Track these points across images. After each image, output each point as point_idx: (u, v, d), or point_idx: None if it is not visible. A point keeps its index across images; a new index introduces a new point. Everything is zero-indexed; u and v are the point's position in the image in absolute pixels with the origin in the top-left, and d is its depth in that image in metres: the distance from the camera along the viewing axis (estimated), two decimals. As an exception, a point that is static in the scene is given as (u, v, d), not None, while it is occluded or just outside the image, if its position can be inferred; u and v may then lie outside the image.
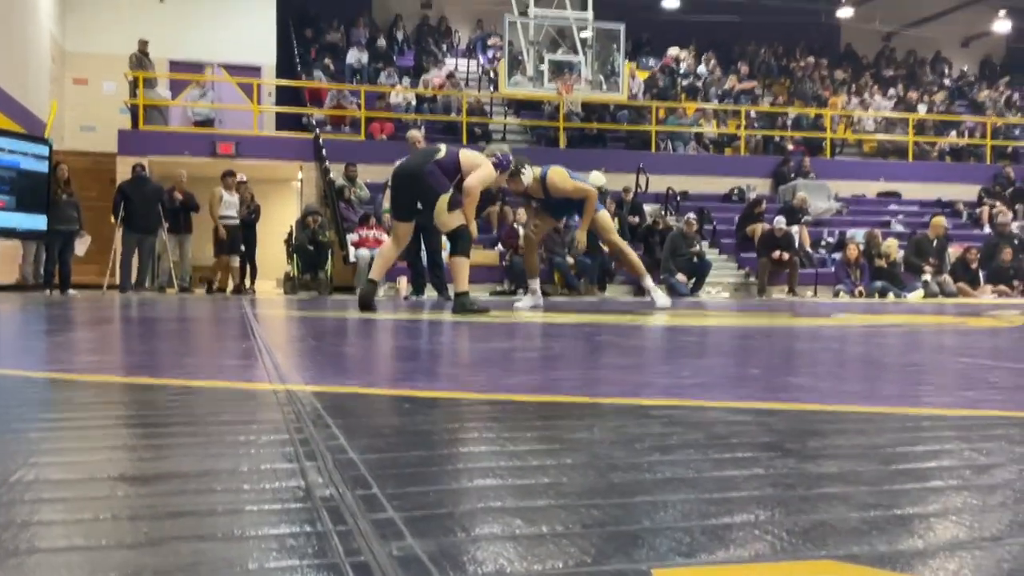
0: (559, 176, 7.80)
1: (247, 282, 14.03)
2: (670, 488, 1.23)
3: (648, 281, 8.47)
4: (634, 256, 8.52)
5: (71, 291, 12.39)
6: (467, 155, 6.75)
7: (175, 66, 18.03)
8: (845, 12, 24.11)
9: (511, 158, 7.25)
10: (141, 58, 16.12)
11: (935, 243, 14.66)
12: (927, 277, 14.32)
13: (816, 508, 1.13)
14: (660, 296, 8.35)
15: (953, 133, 20.80)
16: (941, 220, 15.27)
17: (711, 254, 15.22)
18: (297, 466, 1.34)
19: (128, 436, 1.69)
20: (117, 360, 3.39)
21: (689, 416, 1.89)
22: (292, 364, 2.98)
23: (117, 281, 13.22)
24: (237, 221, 13.56)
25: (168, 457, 1.45)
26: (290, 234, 14.50)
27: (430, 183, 6.52)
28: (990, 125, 20.57)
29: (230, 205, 13.52)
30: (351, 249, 13.54)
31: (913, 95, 21.82)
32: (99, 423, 1.81)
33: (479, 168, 6.62)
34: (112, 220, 13.10)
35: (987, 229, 17.09)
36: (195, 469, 1.34)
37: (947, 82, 24.33)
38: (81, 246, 12.84)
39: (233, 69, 18.61)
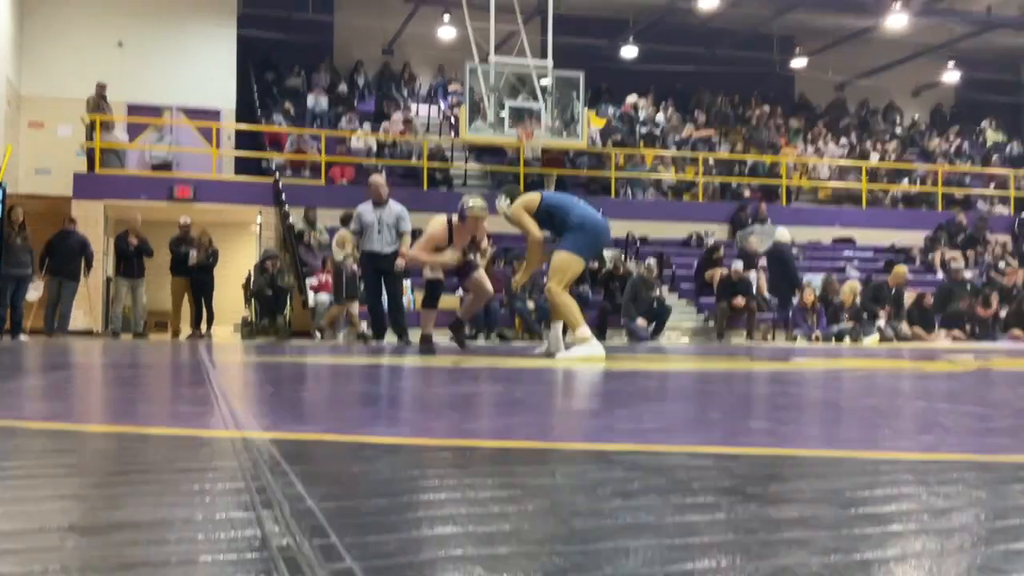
0: (516, 205, 7.20)
1: (203, 327, 13.90)
2: (632, 534, 1.22)
3: (580, 332, 6.83)
4: (570, 308, 7.03)
5: (23, 336, 12.17)
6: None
7: (133, 110, 17.94)
8: (799, 62, 24.69)
9: (462, 203, 7.96)
10: (99, 101, 16.02)
11: (894, 291, 14.87)
12: (882, 322, 14.52)
13: (777, 553, 1.13)
14: (581, 348, 6.77)
15: (905, 181, 21.26)
16: (903, 269, 15.48)
17: (671, 299, 15.33)
18: (253, 515, 1.31)
19: (80, 485, 1.65)
20: (69, 407, 3.33)
21: (650, 461, 1.89)
22: (249, 411, 2.94)
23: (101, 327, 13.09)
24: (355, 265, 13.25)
25: (121, 506, 1.41)
26: (248, 278, 14.40)
27: None
28: (941, 173, 21.06)
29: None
30: (310, 293, 13.45)
31: (866, 143, 22.33)
32: (50, 471, 1.77)
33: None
34: (39, 270, 13.04)
35: (940, 275, 17.41)
36: (149, 519, 1.31)
37: (899, 131, 24.93)
38: (34, 292, 12.65)
39: (192, 112, 18.55)
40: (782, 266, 15.02)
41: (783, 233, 15.65)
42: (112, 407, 3.22)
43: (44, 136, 17.96)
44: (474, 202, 7.92)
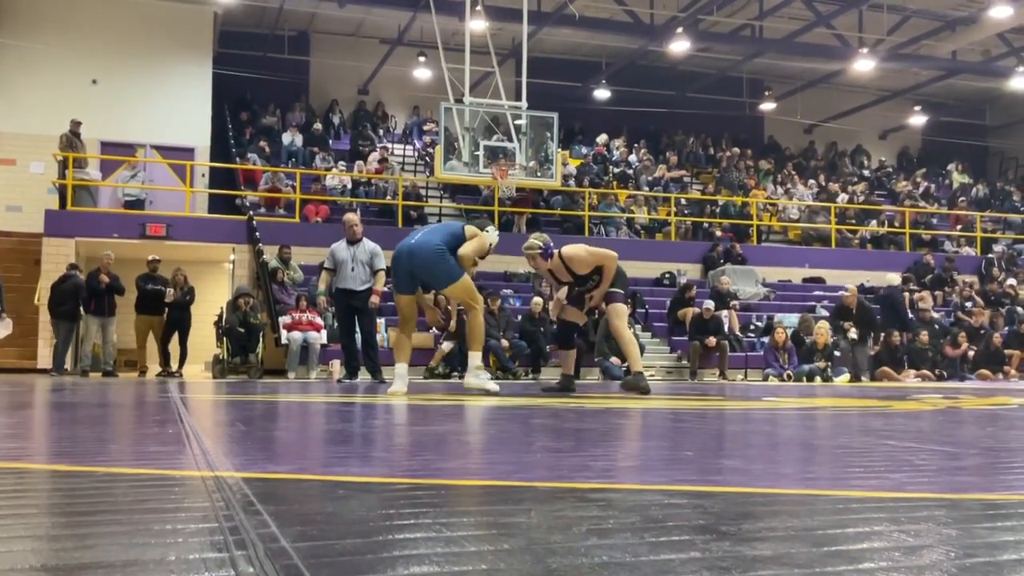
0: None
1: (174, 365, 13.79)
2: (608, 573, 1.22)
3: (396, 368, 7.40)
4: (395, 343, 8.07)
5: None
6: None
7: (107, 147, 17.87)
8: (768, 105, 25.10)
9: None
10: (72, 138, 15.95)
11: (854, 310, 14.86)
12: (853, 334, 14.61)
13: (752, 591, 1.14)
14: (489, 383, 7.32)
15: (873, 222, 21.54)
16: (853, 289, 15.34)
17: (644, 337, 15.37)
18: (227, 555, 1.30)
19: (51, 525, 1.63)
20: (39, 446, 3.28)
21: (625, 499, 1.89)
22: (221, 449, 2.92)
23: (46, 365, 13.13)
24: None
25: (93, 547, 1.40)
26: (220, 316, 14.30)
27: None
28: (908, 214, 21.37)
29: None
30: (283, 332, 13.37)
31: (834, 185, 22.64)
32: (20, 511, 1.75)
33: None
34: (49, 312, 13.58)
35: (909, 315, 17.58)
36: (120, 559, 1.29)
37: (866, 173, 25.31)
38: (3, 329, 12.50)
39: (166, 150, 18.50)
40: (893, 310, 15.73)
41: (893, 277, 16.63)
42: (83, 446, 3.18)
43: (16, 172, 17.84)
44: (527, 241, 7.99)
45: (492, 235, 7.58)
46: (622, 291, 8.00)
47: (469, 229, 7.38)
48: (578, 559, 1.30)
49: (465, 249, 7.20)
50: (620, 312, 7.91)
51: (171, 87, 18.90)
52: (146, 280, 13.86)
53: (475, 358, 7.28)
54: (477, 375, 7.25)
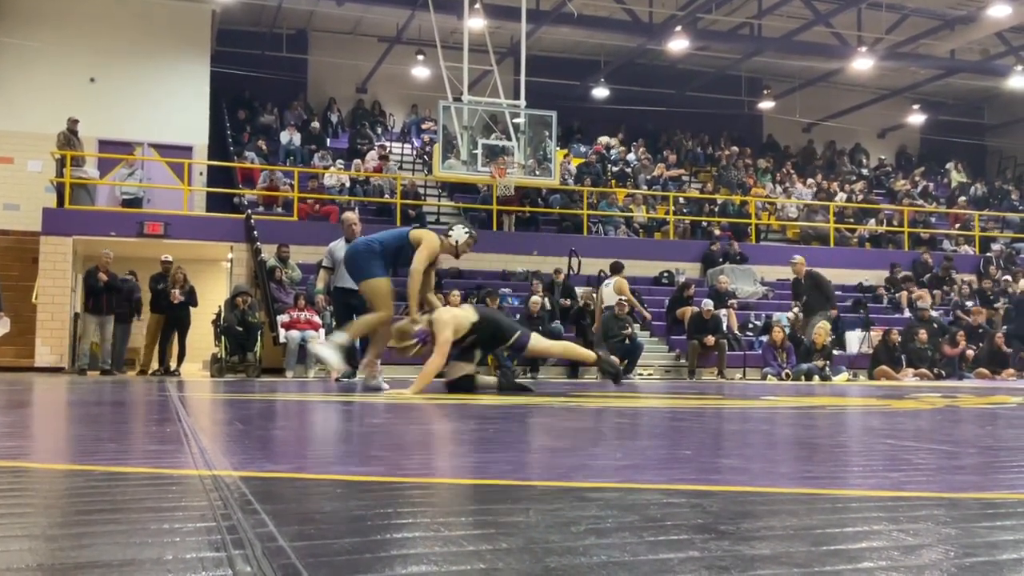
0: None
1: (172, 363, 13.80)
2: (606, 572, 1.22)
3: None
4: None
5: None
6: None
7: (104, 145, 17.85)
8: (767, 104, 25.11)
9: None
10: (70, 136, 15.93)
11: (804, 281, 14.57)
12: (796, 309, 14.60)
13: (751, 590, 1.13)
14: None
15: (872, 221, 21.54)
16: (799, 259, 14.96)
17: (642, 336, 15.38)
18: (224, 555, 1.30)
19: (47, 524, 1.63)
20: (35, 444, 3.28)
21: (623, 498, 1.89)
22: (219, 448, 2.91)
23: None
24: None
25: (90, 546, 1.39)
26: (218, 315, 14.30)
27: None
28: (906, 213, 21.38)
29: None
30: (281, 331, 13.37)
31: (833, 184, 22.65)
32: (17, 510, 1.74)
33: None
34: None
35: (907, 313, 17.59)
36: (118, 558, 1.29)
37: (865, 172, 25.32)
38: (1, 328, 12.48)
39: (164, 149, 18.50)
40: None
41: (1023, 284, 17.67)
42: (80, 445, 3.18)
43: (13, 171, 17.83)
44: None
45: (457, 233, 7.41)
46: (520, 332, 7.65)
47: (414, 235, 7.23)
48: (576, 558, 1.29)
49: (415, 263, 7.05)
50: (537, 338, 7.75)
51: (169, 85, 18.89)
52: (158, 280, 13.94)
53: (341, 337, 7.37)
54: (327, 344, 7.31)
